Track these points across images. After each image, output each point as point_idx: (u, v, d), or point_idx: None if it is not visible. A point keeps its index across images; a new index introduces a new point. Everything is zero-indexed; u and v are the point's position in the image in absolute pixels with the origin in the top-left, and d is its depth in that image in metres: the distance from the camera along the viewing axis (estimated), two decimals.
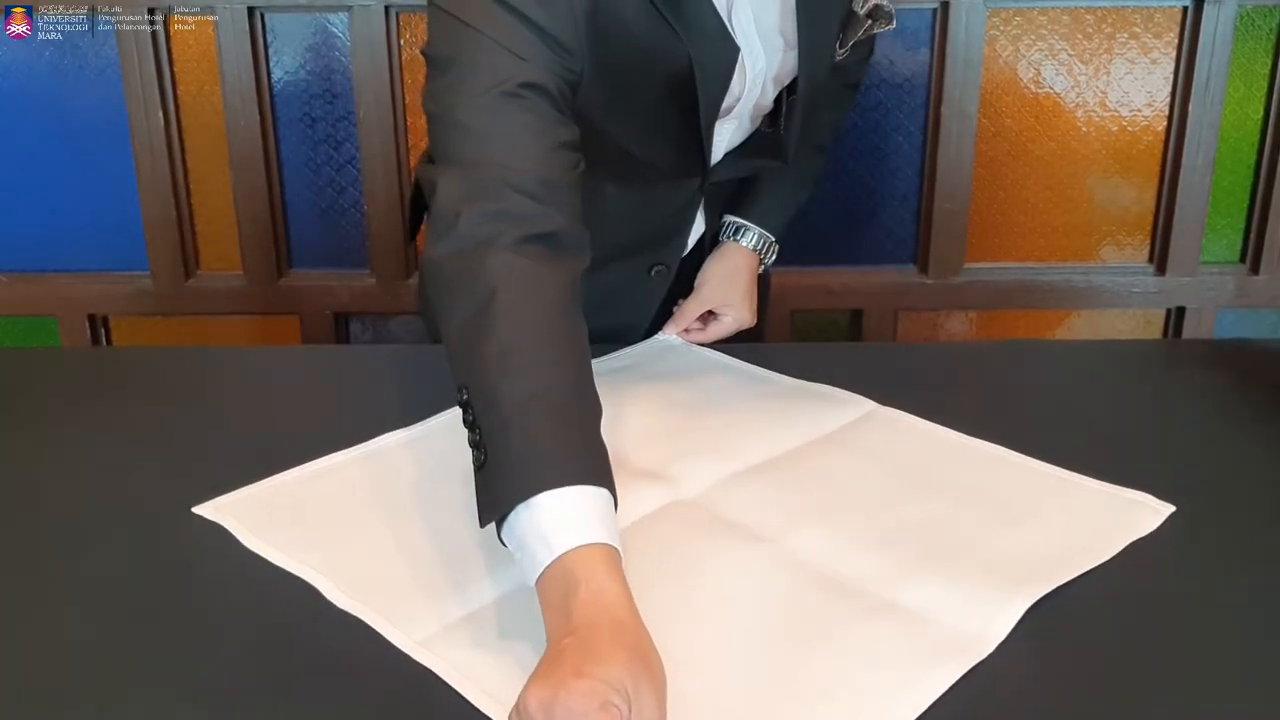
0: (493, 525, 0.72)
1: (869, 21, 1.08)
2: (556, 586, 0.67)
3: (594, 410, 0.79)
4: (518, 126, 0.86)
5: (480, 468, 0.74)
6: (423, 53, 0.92)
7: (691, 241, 1.25)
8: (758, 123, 1.14)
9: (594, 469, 0.72)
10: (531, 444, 0.72)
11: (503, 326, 0.77)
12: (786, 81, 1.09)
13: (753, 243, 1.26)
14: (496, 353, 0.76)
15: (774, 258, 1.29)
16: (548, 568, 0.67)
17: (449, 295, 0.81)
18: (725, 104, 1.05)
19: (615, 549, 0.69)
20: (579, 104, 0.94)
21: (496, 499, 0.71)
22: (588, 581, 0.66)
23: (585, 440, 0.75)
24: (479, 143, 0.85)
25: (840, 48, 1.09)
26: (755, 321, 1.26)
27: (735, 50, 1.00)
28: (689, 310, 1.23)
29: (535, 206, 0.83)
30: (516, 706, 0.61)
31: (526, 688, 0.61)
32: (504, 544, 0.72)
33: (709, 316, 1.24)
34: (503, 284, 0.78)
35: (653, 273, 1.21)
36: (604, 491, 0.72)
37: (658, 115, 1.04)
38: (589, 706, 0.58)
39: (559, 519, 0.69)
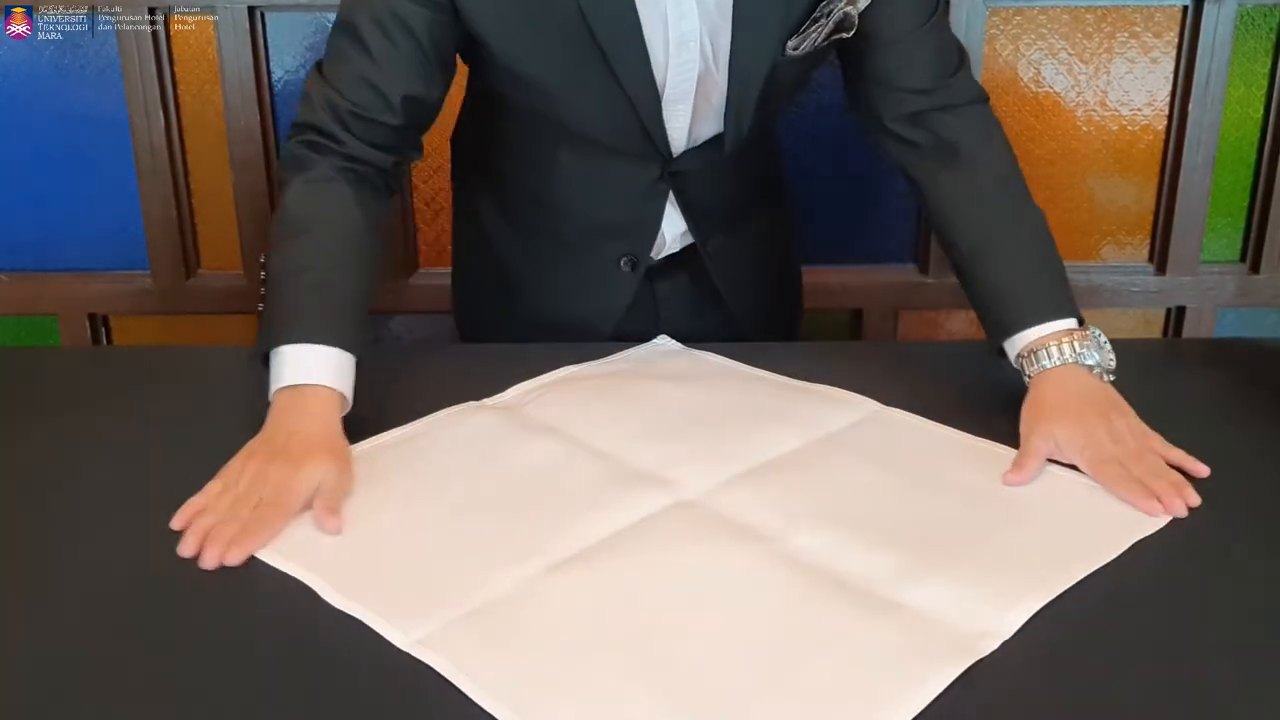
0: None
1: (832, 25, 1.03)
2: (281, 402, 0.94)
3: (344, 287, 0.99)
4: (379, 55, 1.01)
5: (260, 319, 1.00)
6: None
7: (673, 240, 1.21)
8: (732, 124, 1.09)
9: (326, 330, 0.95)
10: (286, 306, 0.97)
11: (295, 214, 1.02)
12: (755, 74, 1.06)
13: (1071, 354, 0.97)
14: (284, 235, 1.01)
15: (1098, 357, 0.98)
16: (278, 391, 0.94)
17: (279, 178, 1.09)
18: (659, 75, 1.03)
19: (338, 392, 0.95)
20: (488, 52, 1.04)
21: (261, 342, 0.98)
22: (305, 405, 0.93)
23: (328, 309, 0.97)
24: (333, 62, 1.04)
25: (795, 39, 1.04)
26: (1127, 441, 0.94)
27: None
28: (1037, 454, 0.93)
29: (353, 132, 1.02)
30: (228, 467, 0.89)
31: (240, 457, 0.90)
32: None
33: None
34: (298, 198, 1.02)
35: (622, 263, 1.19)
36: (333, 350, 0.95)
37: (574, 74, 1.04)
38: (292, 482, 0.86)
39: (291, 363, 0.94)
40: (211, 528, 0.82)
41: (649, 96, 1.05)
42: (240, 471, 0.89)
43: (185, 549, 0.81)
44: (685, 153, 1.13)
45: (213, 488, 0.88)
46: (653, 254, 1.22)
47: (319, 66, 1.06)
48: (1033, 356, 0.98)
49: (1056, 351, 0.97)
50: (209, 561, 0.80)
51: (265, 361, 0.97)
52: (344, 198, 1.02)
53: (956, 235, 1.06)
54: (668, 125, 1.09)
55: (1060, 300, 1.00)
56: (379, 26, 1.00)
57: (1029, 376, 0.99)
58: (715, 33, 1.04)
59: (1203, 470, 0.91)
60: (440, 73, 1.06)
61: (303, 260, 0.99)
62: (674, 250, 1.24)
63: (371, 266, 1.03)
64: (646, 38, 1.02)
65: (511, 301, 1.27)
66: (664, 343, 1.21)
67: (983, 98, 1.14)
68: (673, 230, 1.21)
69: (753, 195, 1.27)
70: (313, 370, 0.94)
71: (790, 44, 1.05)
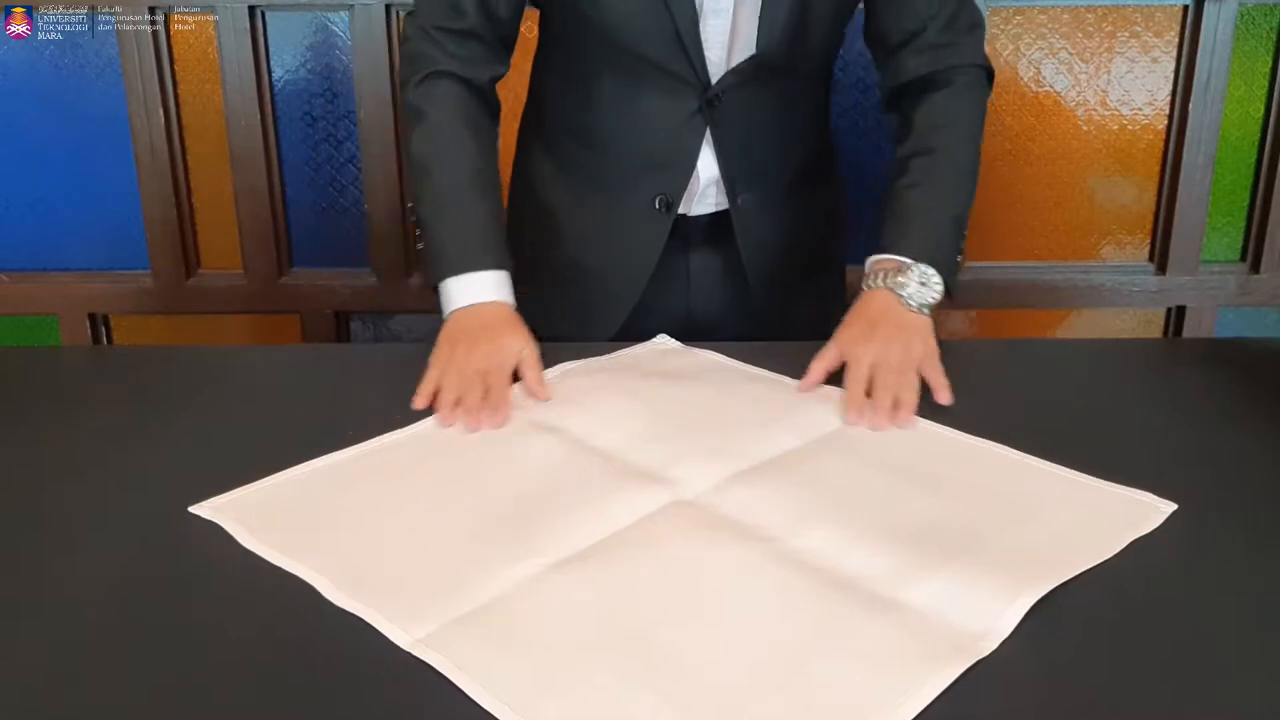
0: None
1: None
2: (454, 318, 1.12)
3: (479, 214, 1.16)
4: None
5: (420, 257, 1.26)
6: None
7: (704, 187, 1.24)
8: (762, 45, 1.15)
9: (482, 257, 1.14)
10: (435, 246, 1.15)
11: (419, 149, 1.18)
12: None
13: (905, 289, 1.10)
14: (417, 176, 1.18)
15: (936, 295, 1.10)
16: (449, 315, 1.12)
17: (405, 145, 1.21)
18: None
19: (495, 302, 1.13)
20: None
21: (428, 277, 1.17)
22: (472, 316, 1.11)
23: (471, 239, 1.15)
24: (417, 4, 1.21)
25: None
26: (919, 357, 1.06)
27: None
28: (815, 368, 1.07)
29: (443, 48, 1.18)
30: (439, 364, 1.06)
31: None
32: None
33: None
34: (416, 113, 1.18)
35: (656, 203, 1.22)
36: (492, 273, 1.14)
37: None
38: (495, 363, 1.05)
39: (457, 291, 1.13)
40: (457, 400, 1.01)
41: (685, 7, 1.12)
42: (450, 355, 1.06)
43: (444, 419, 1.00)
44: (723, 84, 1.17)
45: (433, 373, 1.05)
46: (686, 200, 1.25)
47: (410, 17, 1.22)
48: (868, 278, 1.14)
49: (880, 278, 1.12)
50: (474, 426, 0.98)
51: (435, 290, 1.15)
52: (458, 136, 1.17)
53: (896, 185, 1.19)
54: (706, 42, 1.15)
55: (914, 243, 1.13)
56: None
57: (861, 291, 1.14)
58: None
59: (944, 399, 1.03)
60: None
61: (437, 201, 1.16)
62: (706, 209, 1.27)
63: (495, 188, 1.19)
64: None
65: (552, 247, 1.31)
66: (664, 342, 1.21)
67: (982, 69, 1.24)
68: (707, 171, 1.23)
69: (787, 148, 1.28)
70: (478, 293, 1.12)
71: None
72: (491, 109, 1.23)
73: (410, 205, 1.13)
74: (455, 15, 1.18)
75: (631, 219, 1.25)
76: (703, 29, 1.14)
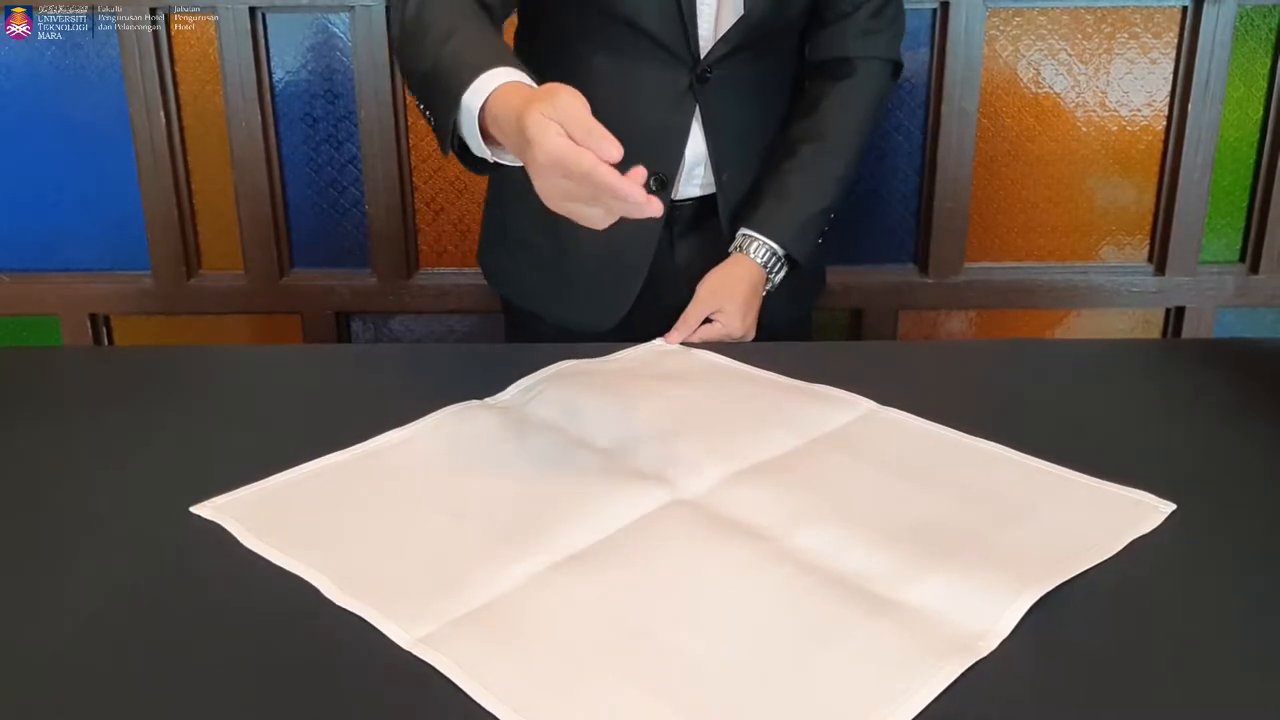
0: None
1: None
2: (495, 126, 0.90)
3: (486, 35, 1.00)
4: None
5: (434, 126, 0.98)
6: None
7: (692, 169, 1.27)
8: (749, 5, 1.19)
9: (484, 62, 0.92)
10: (439, 86, 0.95)
11: (418, 33, 1.01)
12: None
13: (760, 256, 1.27)
14: (414, 50, 1.01)
15: (782, 274, 1.29)
16: (479, 124, 0.91)
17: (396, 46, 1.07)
18: None
19: (505, 82, 0.90)
20: None
21: (445, 139, 0.95)
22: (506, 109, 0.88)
23: (480, 53, 0.94)
24: None
25: None
26: (747, 334, 1.26)
27: None
28: (689, 316, 1.24)
29: None
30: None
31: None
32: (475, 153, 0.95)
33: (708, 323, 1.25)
34: (411, 19, 1.03)
35: (651, 183, 1.23)
36: (496, 69, 0.91)
37: None
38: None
39: (474, 104, 0.91)
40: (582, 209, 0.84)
41: None
42: (542, 183, 0.85)
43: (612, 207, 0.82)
44: (711, 56, 1.21)
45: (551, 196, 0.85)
46: (675, 180, 1.28)
47: None
48: (747, 243, 1.27)
49: (756, 251, 1.27)
50: (633, 212, 0.80)
51: (465, 158, 0.96)
52: (461, 7, 1.03)
53: (783, 165, 1.29)
54: (700, 14, 1.18)
55: (783, 230, 1.28)
56: None
57: (730, 251, 1.28)
58: None
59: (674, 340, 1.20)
60: None
61: (436, 47, 0.98)
62: (693, 191, 1.30)
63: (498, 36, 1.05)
64: None
65: (544, 238, 1.32)
66: (663, 343, 1.21)
67: (891, 64, 1.33)
68: (694, 150, 1.26)
69: (766, 122, 1.33)
70: (490, 90, 0.90)
71: None
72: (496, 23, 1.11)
73: (405, 89, 1.03)
74: None
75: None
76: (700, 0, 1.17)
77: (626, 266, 1.29)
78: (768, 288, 1.29)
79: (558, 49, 1.25)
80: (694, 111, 1.24)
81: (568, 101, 0.81)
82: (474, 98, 0.91)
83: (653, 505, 0.86)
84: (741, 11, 1.20)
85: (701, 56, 1.22)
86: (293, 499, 0.89)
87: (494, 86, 0.90)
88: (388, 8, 1.76)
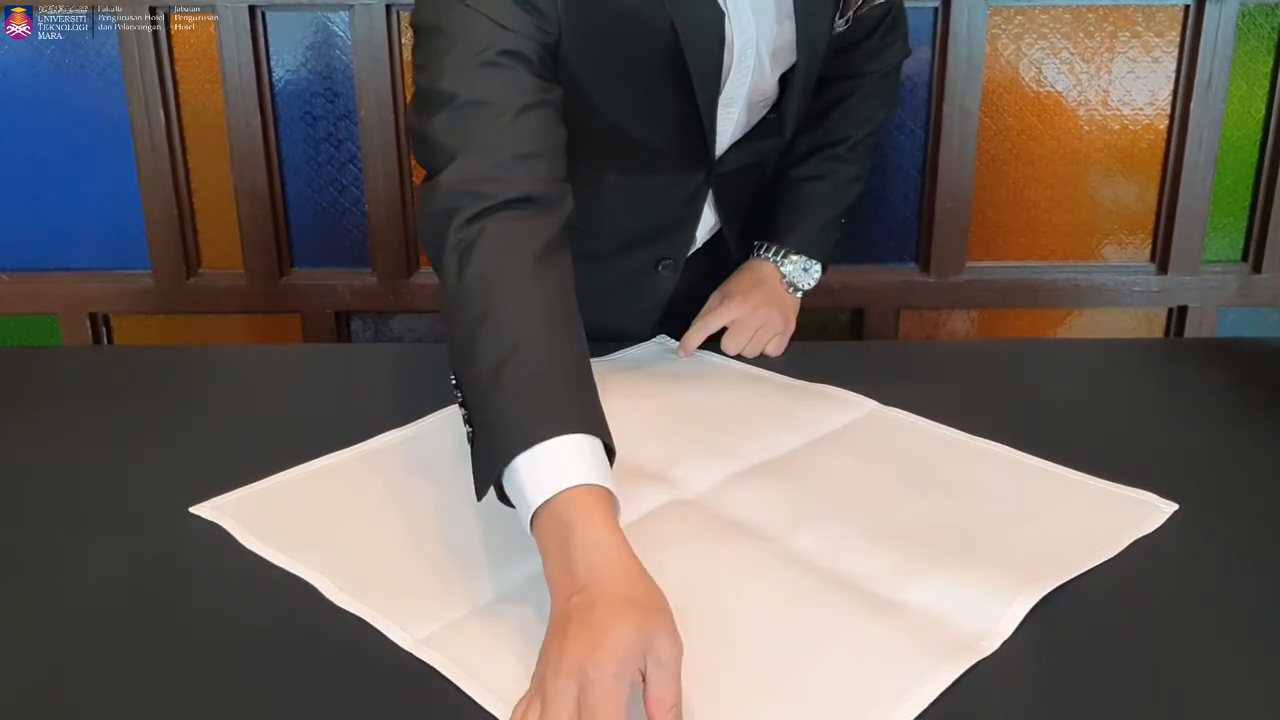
0: (499, 501, 0.76)
1: None
2: (549, 532, 0.69)
3: (569, 358, 0.79)
4: (497, 92, 0.88)
5: (472, 443, 0.77)
6: (411, 23, 0.94)
7: (701, 237, 1.24)
8: (763, 111, 1.13)
9: (565, 419, 0.73)
10: (503, 412, 0.74)
11: (469, 300, 0.80)
12: (786, 61, 1.08)
13: (786, 268, 1.23)
14: (465, 330, 0.79)
15: (812, 283, 1.25)
16: (535, 517, 0.70)
17: (436, 270, 0.85)
18: (721, 82, 1.04)
19: (603, 488, 0.71)
20: (567, 72, 0.96)
21: (483, 472, 0.75)
22: (583, 526, 0.68)
23: (556, 392, 0.76)
24: (460, 111, 0.88)
25: (839, 17, 1.09)
26: (765, 323, 1.19)
27: (719, 14, 0.99)
28: (710, 322, 1.18)
29: (509, 171, 0.86)
30: (538, 673, 0.63)
31: (547, 655, 0.63)
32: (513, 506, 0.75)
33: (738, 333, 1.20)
34: (470, 256, 0.81)
35: (660, 268, 1.20)
36: (582, 437, 0.73)
37: (650, 88, 1.03)
38: (606, 674, 0.60)
39: (533, 475, 0.71)
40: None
41: (710, 103, 1.06)
42: (561, 653, 0.63)
43: None
44: (726, 152, 1.15)
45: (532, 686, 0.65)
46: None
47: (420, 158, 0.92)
48: (758, 249, 1.25)
49: (769, 251, 1.24)
50: None
51: (503, 496, 0.75)
52: (521, 263, 0.82)
53: (795, 174, 1.27)
54: (720, 125, 1.10)
55: (802, 237, 1.24)
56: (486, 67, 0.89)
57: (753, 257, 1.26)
58: (768, 36, 1.06)
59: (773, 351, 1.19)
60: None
61: (498, 350, 0.76)
62: (701, 245, 1.26)
63: (577, 323, 0.83)
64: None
65: None
66: (664, 342, 1.21)
67: (899, 67, 1.29)
68: (704, 226, 1.23)
69: (771, 167, 1.30)
70: (564, 473, 0.70)
71: (838, 22, 1.10)
72: (565, 222, 0.89)
73: (451, 380, 0.82)
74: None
75: (633, 282, 1.21)
76: (719, 117, 1.08)
77: (629, 331, 1.24)
78: (789, 279, 1.23)
79: (570, 163, 1.05)
80: (706, 197, 1.19)
81: (668, 653, 0.63)
82: (534, 475, 0.71)
83: (654, 504, 0.86)
84: (750, 124, 1.14)
85: (717, 158, 1.14)
86: (293, 499, 0.89)
87: (566, 486, 0.70)
88: (388, 6, 1.76)
